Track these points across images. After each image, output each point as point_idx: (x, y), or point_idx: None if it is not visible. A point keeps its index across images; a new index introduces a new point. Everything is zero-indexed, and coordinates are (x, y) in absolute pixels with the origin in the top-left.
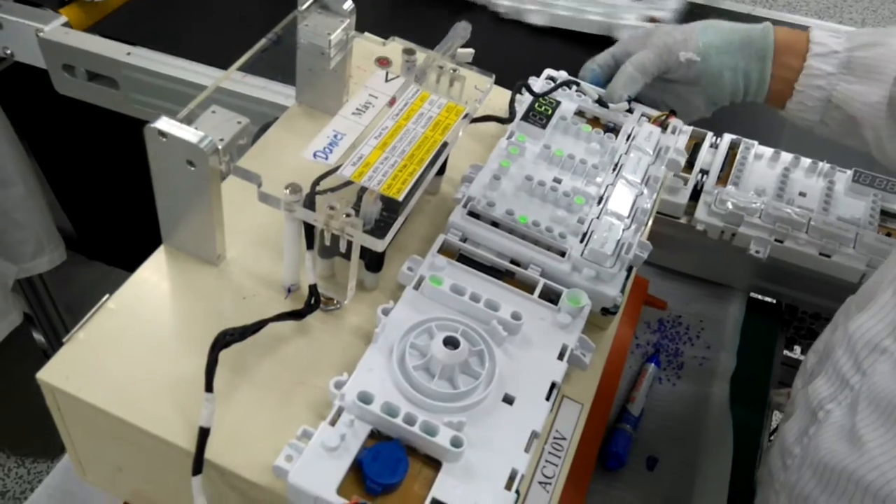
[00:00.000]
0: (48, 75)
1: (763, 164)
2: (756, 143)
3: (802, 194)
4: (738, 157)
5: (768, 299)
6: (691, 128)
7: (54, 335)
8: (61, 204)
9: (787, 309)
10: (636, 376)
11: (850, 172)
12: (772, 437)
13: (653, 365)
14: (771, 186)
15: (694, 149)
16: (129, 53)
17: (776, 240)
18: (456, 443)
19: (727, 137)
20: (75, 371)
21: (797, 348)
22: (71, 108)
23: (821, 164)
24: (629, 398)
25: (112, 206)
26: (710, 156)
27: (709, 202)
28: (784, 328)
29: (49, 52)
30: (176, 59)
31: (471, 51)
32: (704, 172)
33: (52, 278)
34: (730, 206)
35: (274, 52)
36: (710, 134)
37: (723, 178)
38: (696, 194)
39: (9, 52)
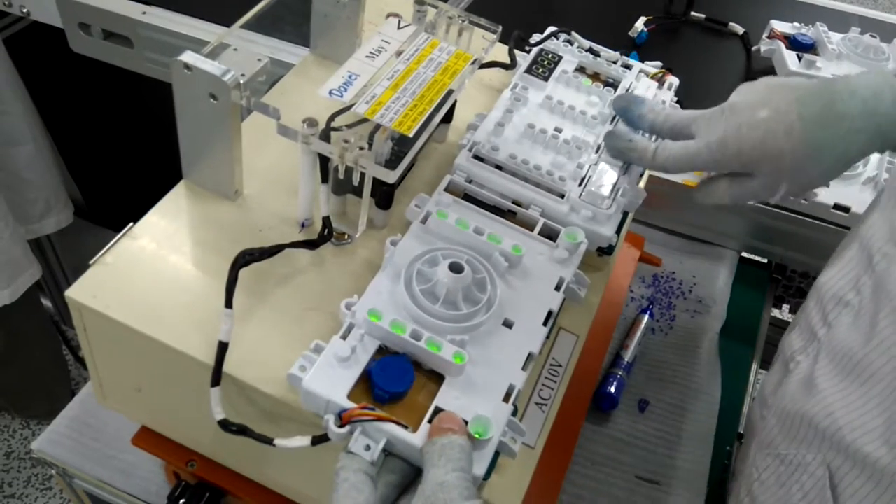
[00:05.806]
0: (63, 36)
1: None
2: None
3: None
4: None
5: (759, 259)
6: None
7: (62, 300)
8: (70, 170)
9: (776, 268)
10: (630, 326)
11: None
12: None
13: (646, 316)
14: None
15: None
16: (144, 13)
17: None
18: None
19: None
20: (102, 290)
21: (785, 307)
22: (83, 72)
23: None
24: (623, 346)
25: (120, 173)
26: None
27: None
28: (773, 286)
29: (65, 10)
30: (190, 19)
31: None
32: None
33: (61, 243)
34: None
35: (289, 12)
36: None
37: None
38: None
39: (25, 10)
